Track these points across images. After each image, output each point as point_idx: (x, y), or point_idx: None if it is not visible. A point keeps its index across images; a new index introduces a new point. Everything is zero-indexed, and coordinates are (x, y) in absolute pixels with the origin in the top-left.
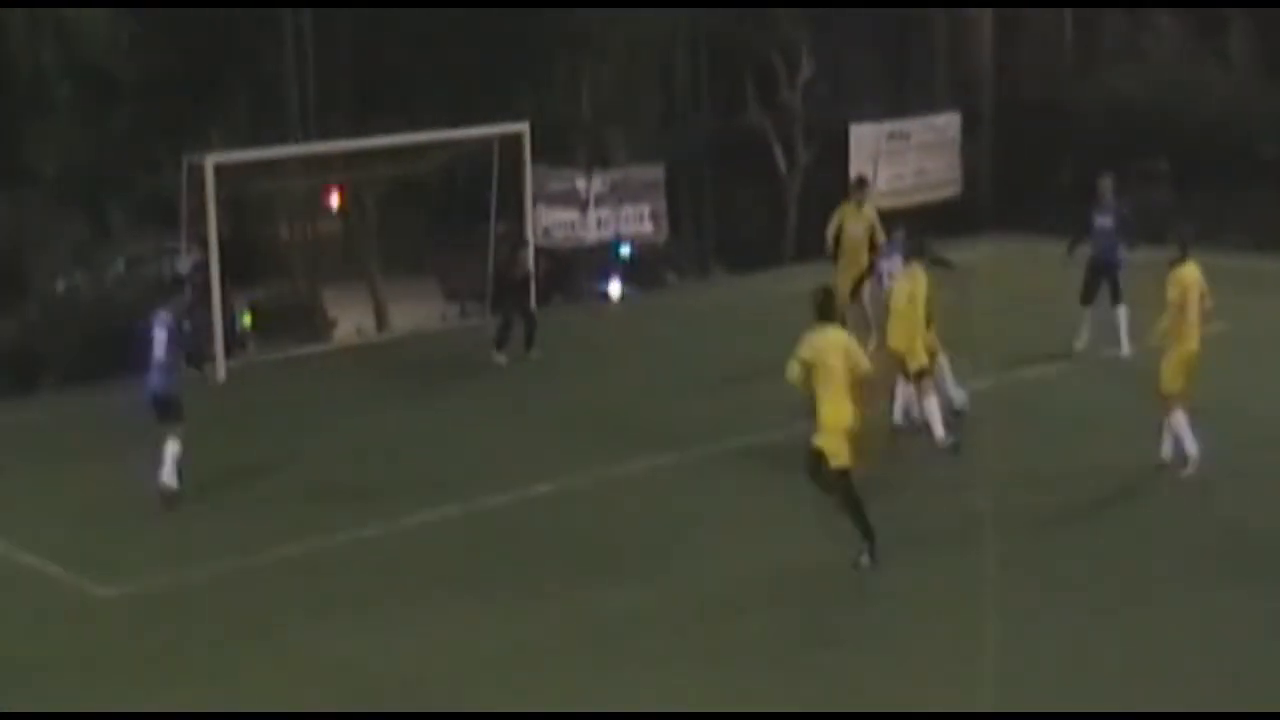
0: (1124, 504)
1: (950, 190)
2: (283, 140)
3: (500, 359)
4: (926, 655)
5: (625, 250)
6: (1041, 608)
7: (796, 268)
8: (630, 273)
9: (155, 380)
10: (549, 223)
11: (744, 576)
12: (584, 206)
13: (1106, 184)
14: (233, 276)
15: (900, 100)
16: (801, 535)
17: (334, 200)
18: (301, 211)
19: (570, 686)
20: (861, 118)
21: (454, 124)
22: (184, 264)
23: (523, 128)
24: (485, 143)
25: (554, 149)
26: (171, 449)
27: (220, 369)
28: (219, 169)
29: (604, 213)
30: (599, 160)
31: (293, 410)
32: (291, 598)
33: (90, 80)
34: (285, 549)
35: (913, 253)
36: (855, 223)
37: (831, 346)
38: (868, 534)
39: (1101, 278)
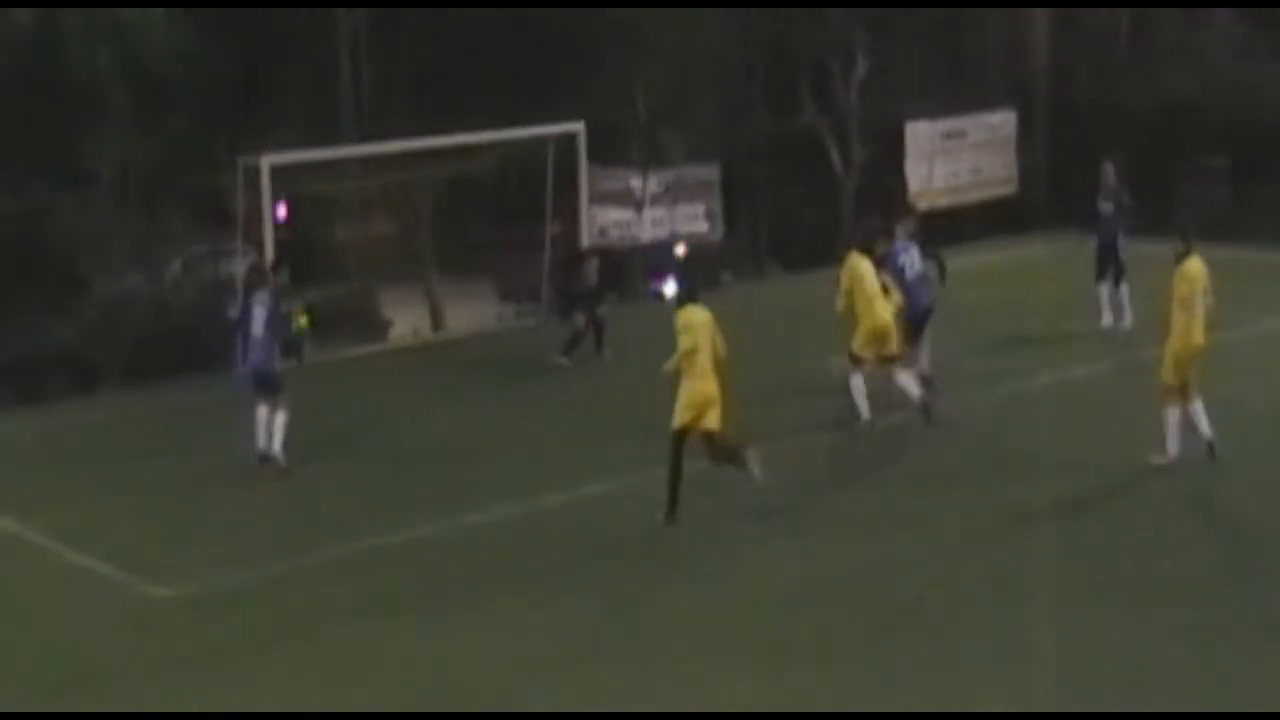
0: (1175, 499)
1: (1005, 189)
2: (338, 141)
3: (564, 361)
4: (989, 652)
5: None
6: (1104, 608)
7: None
8: (685, 272)
9: (255, 356)
10: (604, 222)
11: (800, 575)
12: (639, 206)
13: (1109, 170)
14: (290, 278)
15: (956, 98)
16: (857, 534)
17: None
18: (357, 212)
19: (625, 686)
20: (917, 116)
21: (509, 124)
22: (239, 265)
23: (578, 127)
24: (540, 142)
25: (609, 148)
26: (280, 419)
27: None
28: (275, 170)
29: (659, 212)
30: (654, 160)
31: (348, 411)
32: (345, 598)
33: (147, 82)
34: (340, 549)
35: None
36: None
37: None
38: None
39: (1107, 257)
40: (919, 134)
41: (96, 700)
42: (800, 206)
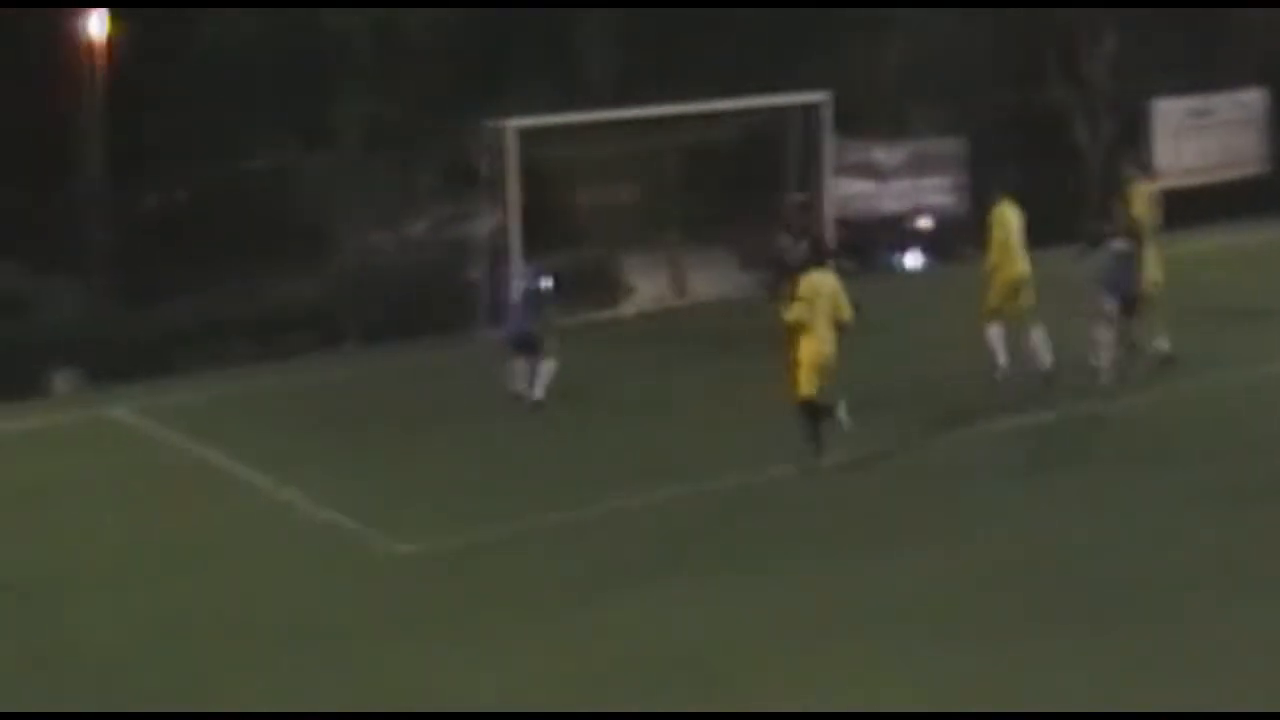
0: None
1: (1254, 168)
2: (584, 106)
3: None
4: (1209, 642)
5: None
6: None
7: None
8: (928, 245)
9: (514, 322)
10: (846, 194)
11: (1013, 553)
12: (882, 178)
13: None
14: (532, 241)
15: (1205, 76)
16: (1073, 513)
17: None
18: (601, 178)
19: (842, 660)
20: (1165, 93)
21: (753, 92)
22: (482, 227)
23: (822, 97)
24: (784, 112)
25: (853, 119)
26: (546, 367)
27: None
28: (520, 133)
29: (902, 185)
30: (899, 132)
31: (590, 375)
32: (578, 561)
33: (397, 43)
34: (577, 511)
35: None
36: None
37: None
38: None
39: None
40: (1166, 111)
41: (335, 653)
42: (1045, 181)
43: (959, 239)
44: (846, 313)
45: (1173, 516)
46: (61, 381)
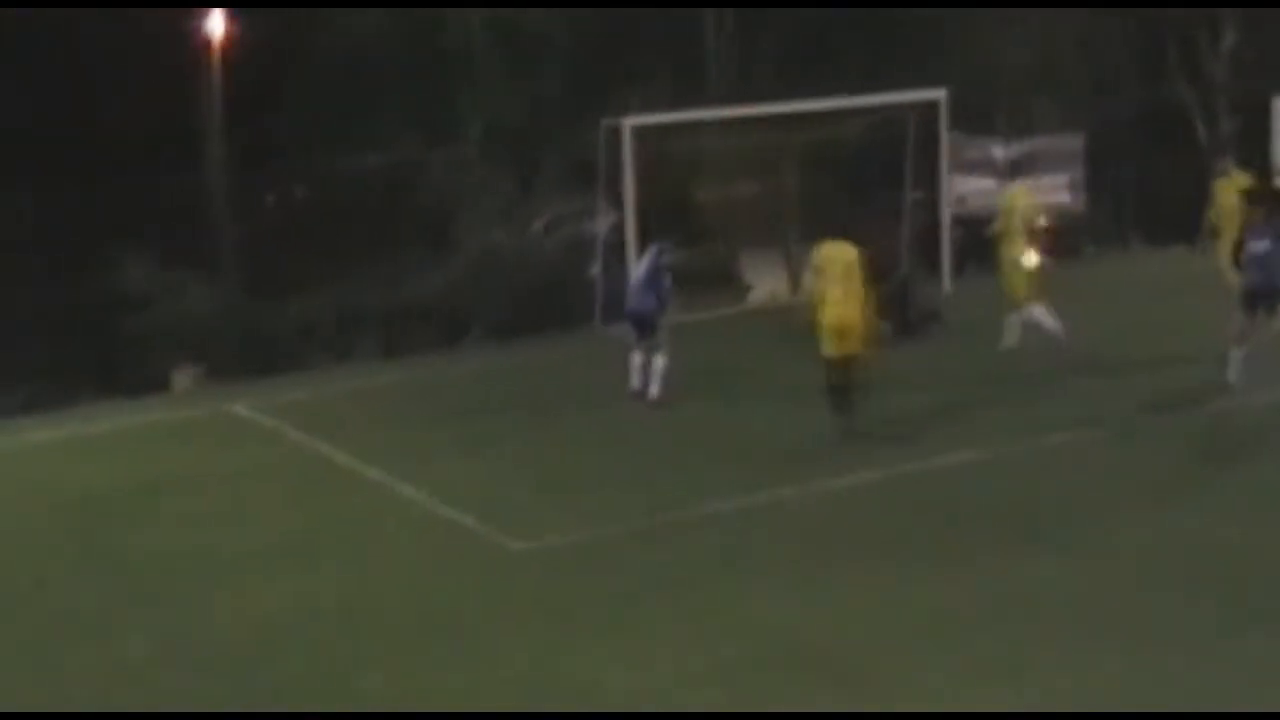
0: None
1: None
2: (702, 103)
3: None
4: None
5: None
6: None
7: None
8: (1046, 242)
9: (634, 300)
10: (964, 191)
11: (1165, 551)
12: (1001, 175)
13: None
14: (650, 238)
15: None
16: (1226, 510)
17: None
18: (720, 175)
19: (982, 660)
20: None
21: (873, 90)
22: (601, 224)
23: (940, 94)
24: (903, 109)
25: (972, 116)
26: (659, 363)
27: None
28: (636, 131)
29: (1022, 182)
30: (1018, 128)
31: (711, 371)
32: (706, 557)
33: (518, 42)
34: (702, 507)
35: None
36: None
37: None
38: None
39: None
40: None
41: (457, 649)
42: (1166, 179)
43: (1078, 235)
44: (860, 281)
45: None
46: (182, 377)
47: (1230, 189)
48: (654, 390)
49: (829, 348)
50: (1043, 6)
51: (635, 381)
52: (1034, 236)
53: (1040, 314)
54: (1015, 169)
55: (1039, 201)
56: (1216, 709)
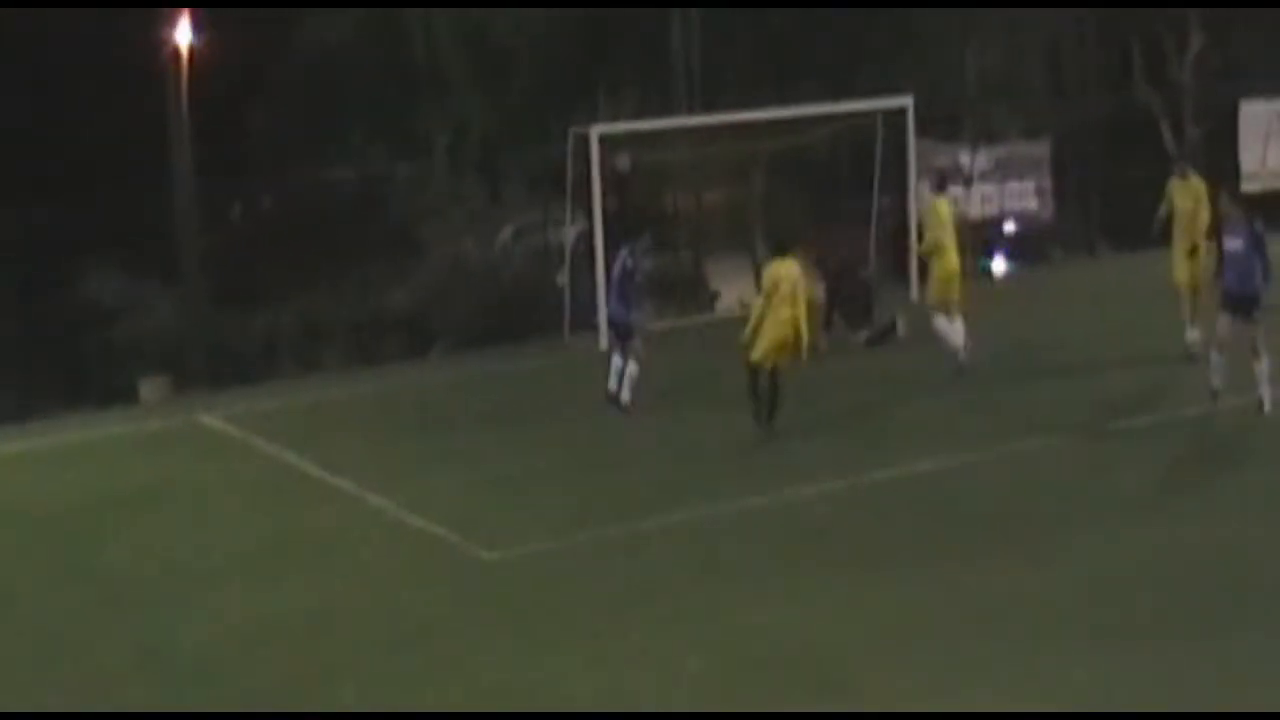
0: None
1: None
2: (671, 112)
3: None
4: None
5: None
6: None
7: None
8: (1015, 249)
9: (610, 305)
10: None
11: (1136, 557)
12: (968, 182)
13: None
14: (617, 247)
15: None
16: (1196, 516)
17: None
18: (686, 184)
19: (954, 666)
20: (1253, 95)
21: (839, 98)
22: (568, 234)
23: (907, 102)
24: (870, 117)
25: (939, 123)
26: (630, 369)
27: (603, 337)
28: (604, 140)
29: (988, 189)
30: (984, 135)
31: (677, 380)
32: (674, 565)
33: (485, 53)
34: (670, 516)
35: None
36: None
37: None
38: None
39: None
40: (1254, 113)
41: (429, 658)
42: (1132, 185)
43: (1045, 242)
44: (805, 300)
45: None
46: (150, 388)
47: (1185, 192)
48: (624, 395)
49: (768, 358)
50: (1007, 5)
51: (612, 383)
52: (963, 245)
53: (944, 325)
54: (983, 176)
55: (960, 210)
56: (1189, 710)
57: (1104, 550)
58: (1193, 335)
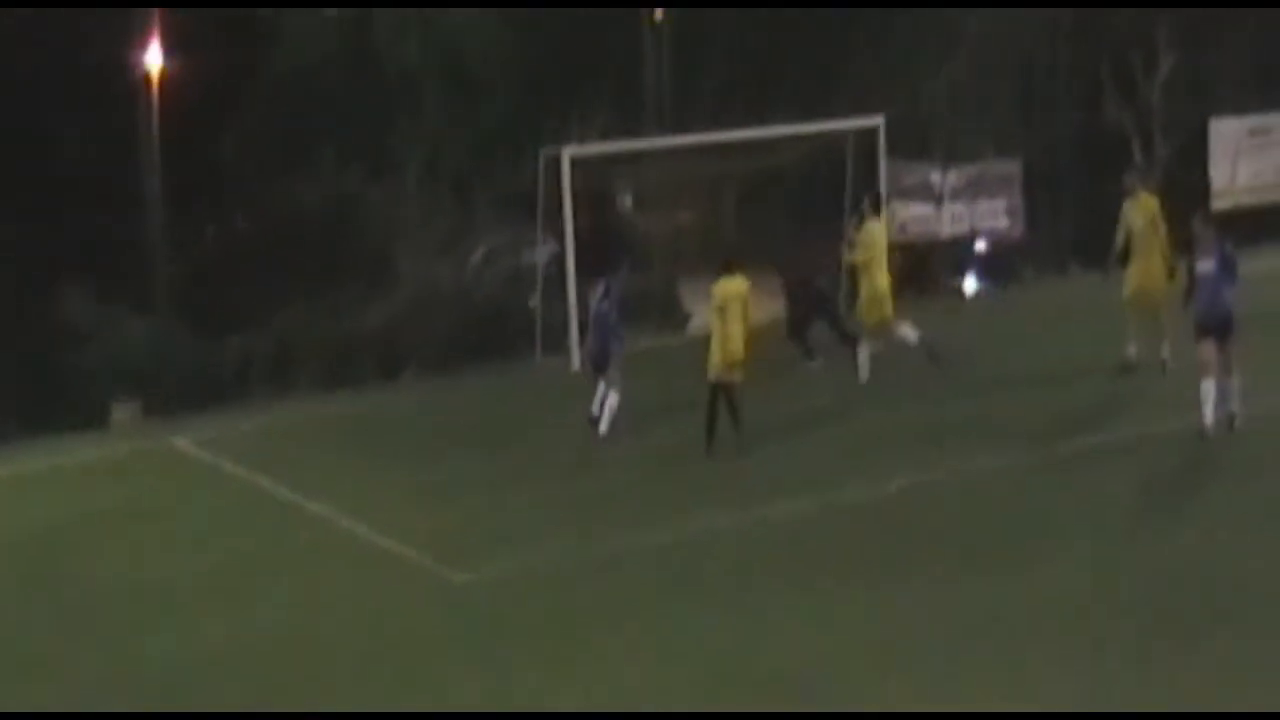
0: None
1: None
2: (642, 133)
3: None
4: None
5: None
6: None
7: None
8: (986, 268)
9: (590, 343)
10: (904, 217)
11: (1105, 573)
12: (939, 201)
13: None
14: (589, 269)
15: (1265, 95)
16: (1164, 532)
17: None
18: (658, 205)
19: (936, 681)
20: (1222, 112)
21: (810, 118)
22: (540, 255)
23: (877, 121)
24: (841, 137)
25: (910, 143)
26: (611, 400)
27: (574, 358)
28: (575, 162)
29: (959, 207)
30: (955, 154)
31: (649, 401)
32: (647, 585)
33: (458, 75)
34: (640, 537)
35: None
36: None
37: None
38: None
39: None
40: (1224, 131)
41: (402, 680)
42: (1103, 203)
43: (1017, 261)
44: (750, 318)
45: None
46: (122, 411)
47: (1137, 210)
48: (602, 426)
49: (722, 375)
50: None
51: (595, 408)
52: (891, 264)
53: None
54: (954, 195)
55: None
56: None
57: (1078, 566)
58: (1132, 350)
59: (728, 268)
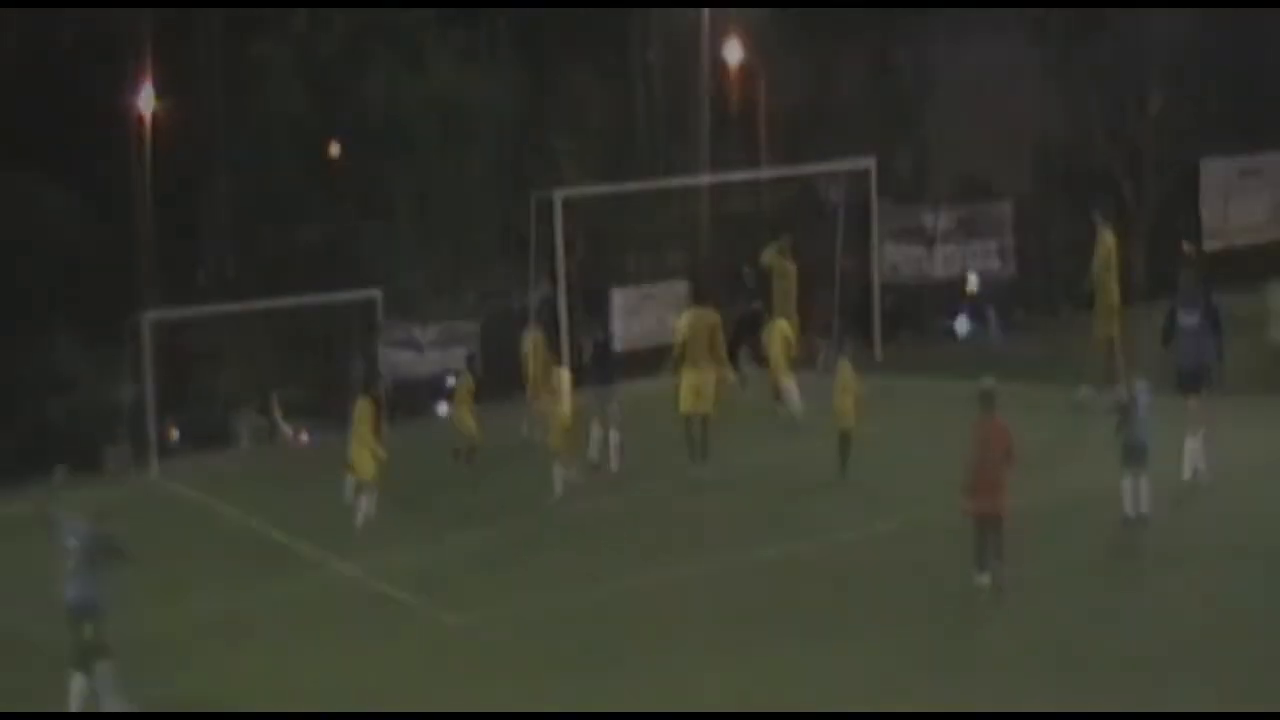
0: None
1: None
2: (631, 176)
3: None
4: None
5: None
6: None
7: (1142, 305)
8: (977, 309)
9: (592, 384)
10: (896, 259)
11: (1098, 610)
12: (930, 242)
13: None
14: (583, 310)
15: (1254, 135)
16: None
17: None
18: (649, 245)
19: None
20: (1213, 153)
21: (801, 160)
22: (532, 297)
23: (869, 163)
24: (833, 178)
25: (900, 184)
26: (614, 439)
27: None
28: (566, 203)
29: (950, 249)
30: (946, 196)
31: (637, 445)
32: (633, 629)
33: (447, 119)
34: (630, 580)
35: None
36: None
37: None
38: None
39: None
40: (1215, 171)
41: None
42: (1094, 243)
43: (1008, 301)
44: (721, 348)
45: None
46: (113, 455)
47: (1101, 248)
48: (613, 464)
49: (687, 405)
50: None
51: (593, 453)
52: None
53: (789, 389)
54: (945, 236)
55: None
56: None
57: (1067, 608)
58: (1086, 391)
59: (697, 298)
